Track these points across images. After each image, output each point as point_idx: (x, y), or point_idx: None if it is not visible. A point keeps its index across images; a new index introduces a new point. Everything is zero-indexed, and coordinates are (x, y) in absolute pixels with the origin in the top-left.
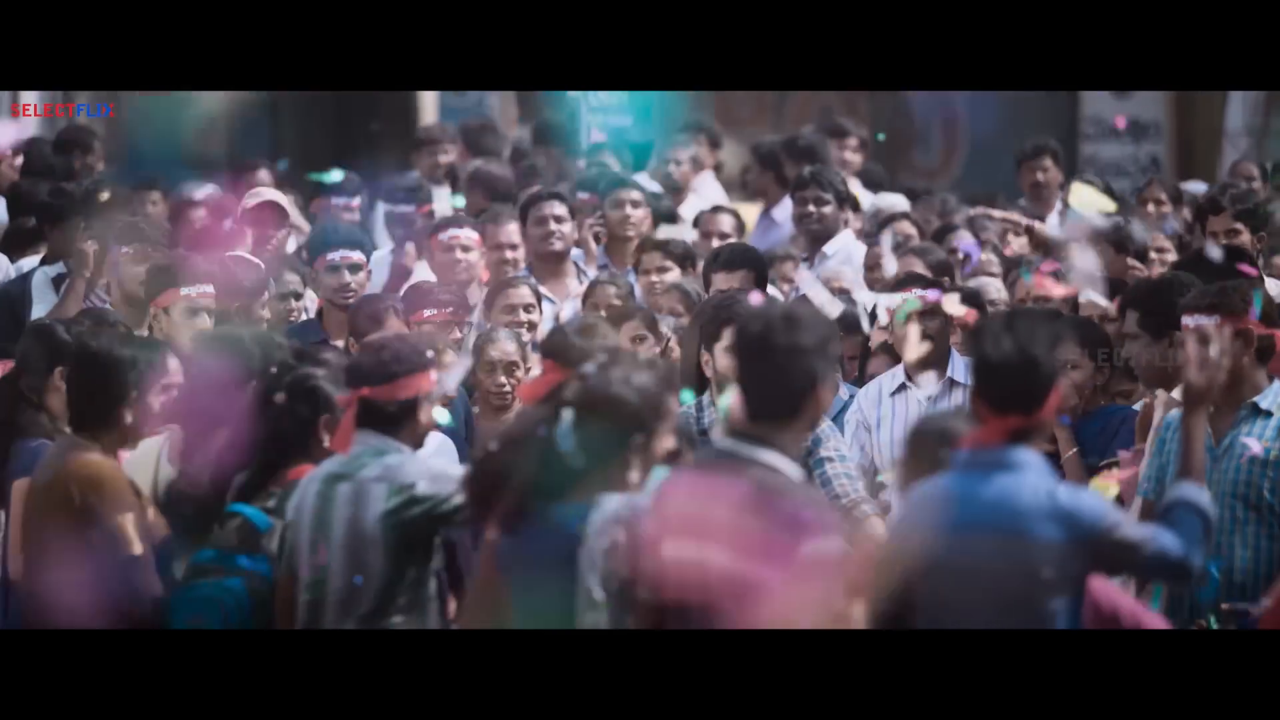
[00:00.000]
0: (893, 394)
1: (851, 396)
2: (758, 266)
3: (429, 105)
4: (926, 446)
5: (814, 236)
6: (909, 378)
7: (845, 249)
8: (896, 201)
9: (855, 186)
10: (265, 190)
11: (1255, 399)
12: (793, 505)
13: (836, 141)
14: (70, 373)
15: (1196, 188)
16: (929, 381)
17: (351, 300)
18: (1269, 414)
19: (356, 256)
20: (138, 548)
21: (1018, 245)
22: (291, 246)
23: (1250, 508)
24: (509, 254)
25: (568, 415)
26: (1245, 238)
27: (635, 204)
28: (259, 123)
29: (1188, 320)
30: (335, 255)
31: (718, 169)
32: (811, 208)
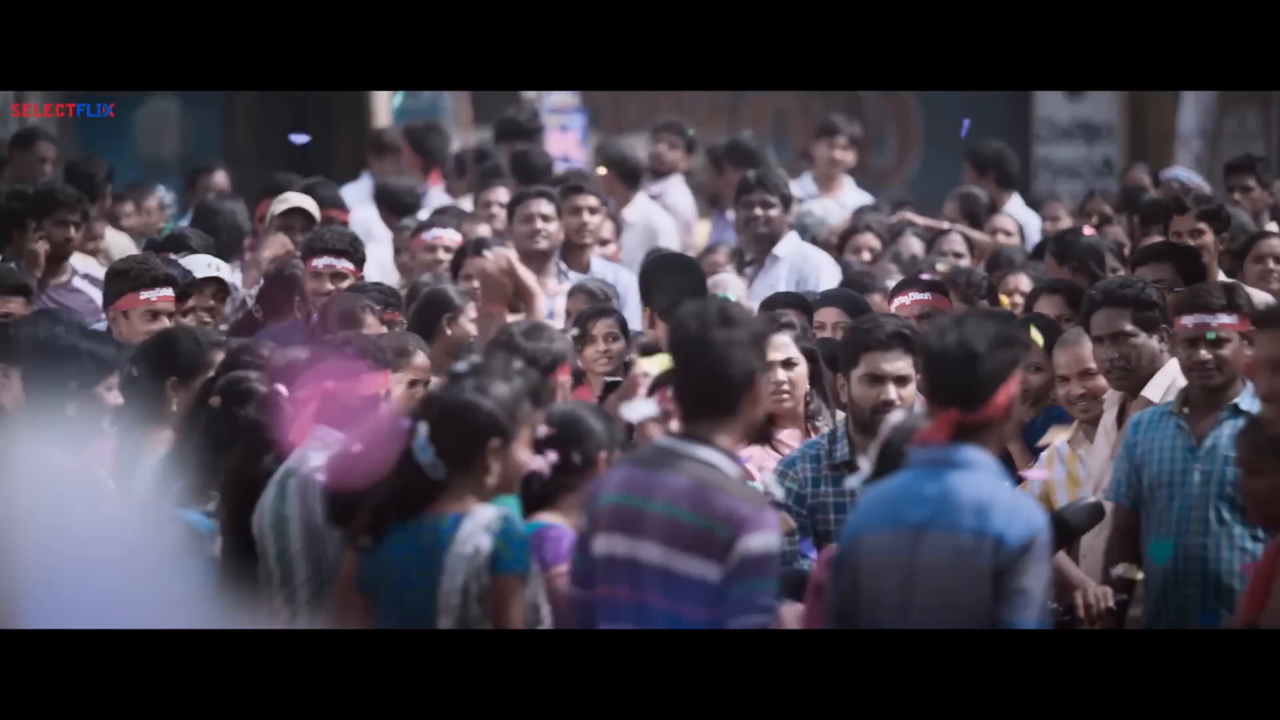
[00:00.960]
0: None
1: None
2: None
3: (382, 106)
4: (897, 447)
5: (761, 240)
6: None
7: (795, 252)
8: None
9: (849, 186)
10: (293, 196)
11: (1235, 400)
12: (730, 501)
13: (827, 140)
14: (24, 371)
15: (1180, 174)
16: None
17: None
18: (1249, 414)
19: (341, 265)
20: None
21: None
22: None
23: (1236, 509)
24: (441, 255)
25: (423, 428)
26: (1209, 238)
27: (593, 210)
28: (211, 124)
29: (1187, 320)
30: (320, 262)
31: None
32: (758, 211)
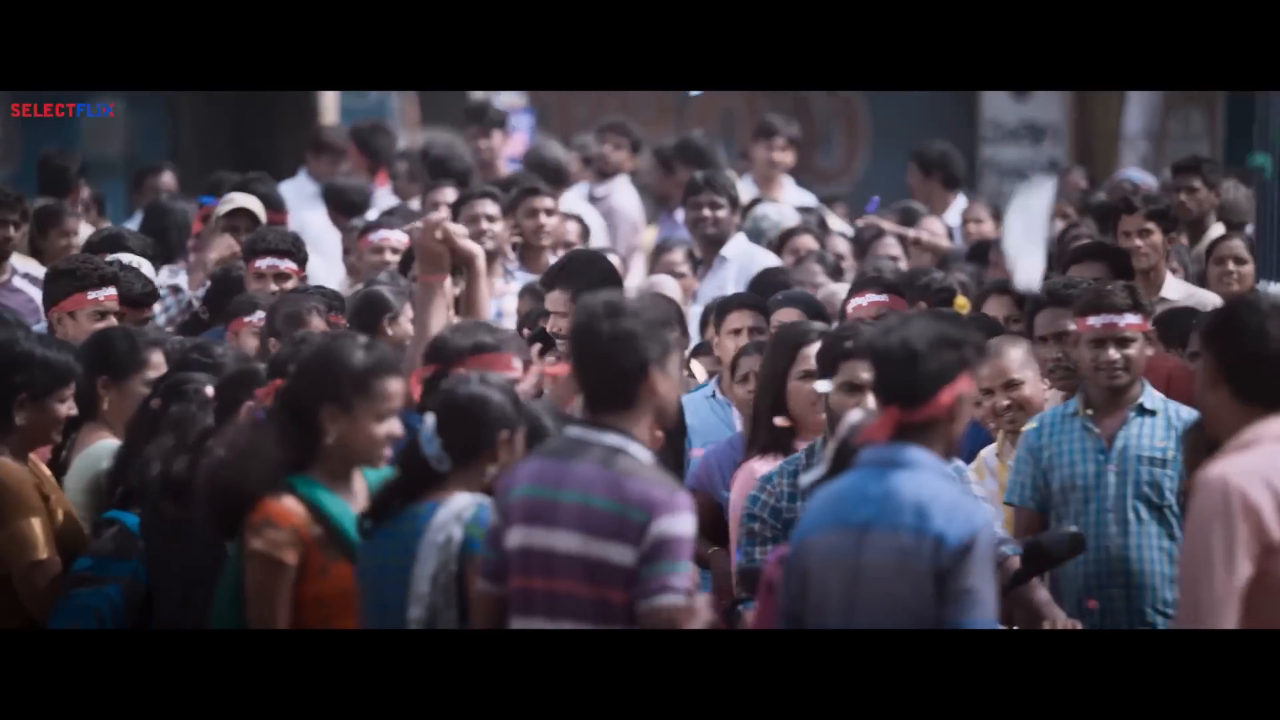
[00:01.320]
0: None
1: None
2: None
3: (329, 106)
4: (854, 447)
5: (709, 241)
6: None
7: (742, 253)
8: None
9: (789, 186)
10: (238, 196)
11: (1140, 399)
12: (642, 484)
13: (765, 141)
14: None
15: (1134, 175)
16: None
17: None
18: (1154, 413)
19: (285, 266)
20: (42, 553)
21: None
22: None
23: (1152, 508)
24: (389, 256)
25: (430, 420)
26: (1157, 238)
27: (549, 212)
28: (156, 125)
29: (1094, 320)
30: (263, 263)
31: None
32: (706, 212)
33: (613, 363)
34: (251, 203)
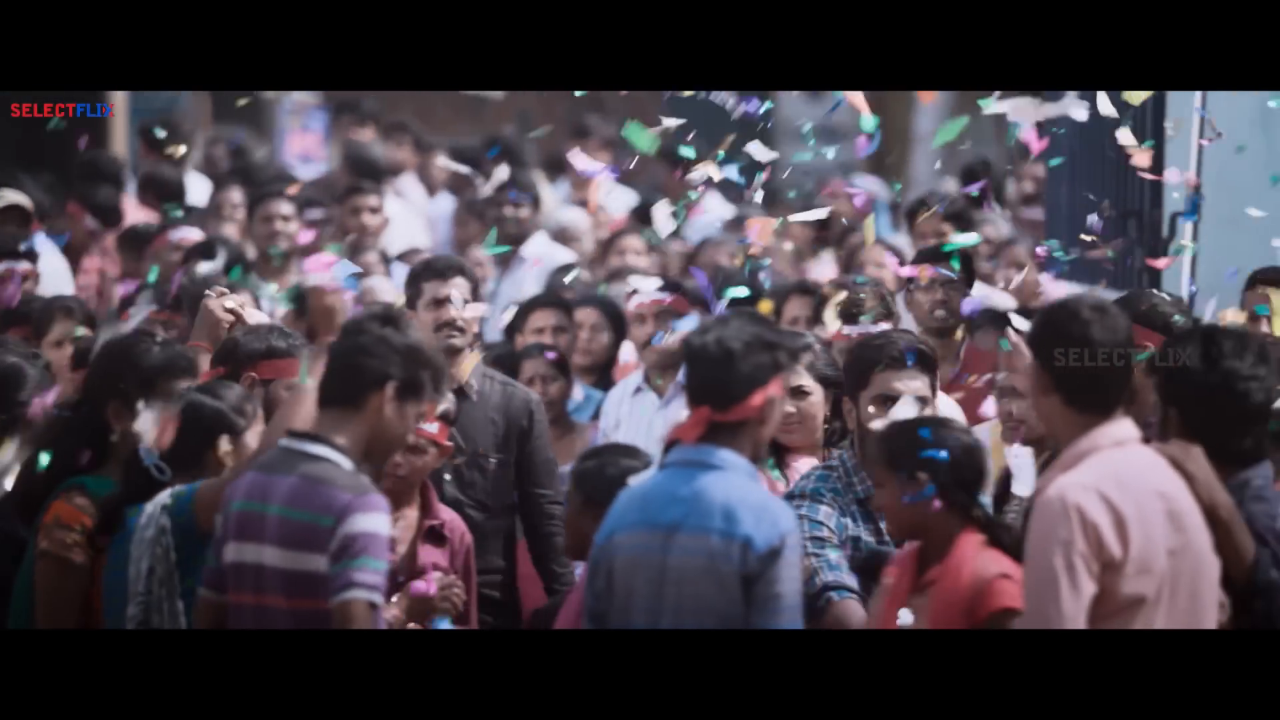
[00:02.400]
0: (633, 395)
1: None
2: (468, 272)
3: (119, 104)
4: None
5: (510, 240)
6: (647, 380)
7: (542, 253)
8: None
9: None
10: (9, 193)
11: None
12: (331, 490)
13: (579, 141)
14: None
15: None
16: (670, 384)
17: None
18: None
19: (22, 268)
20: None
21: None
22: None
23: None
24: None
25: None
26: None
27: (285, 218)
28: None
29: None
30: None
31: (423, 170)
32: (507, 210)
33: (348, 368)
34: (21, 199)
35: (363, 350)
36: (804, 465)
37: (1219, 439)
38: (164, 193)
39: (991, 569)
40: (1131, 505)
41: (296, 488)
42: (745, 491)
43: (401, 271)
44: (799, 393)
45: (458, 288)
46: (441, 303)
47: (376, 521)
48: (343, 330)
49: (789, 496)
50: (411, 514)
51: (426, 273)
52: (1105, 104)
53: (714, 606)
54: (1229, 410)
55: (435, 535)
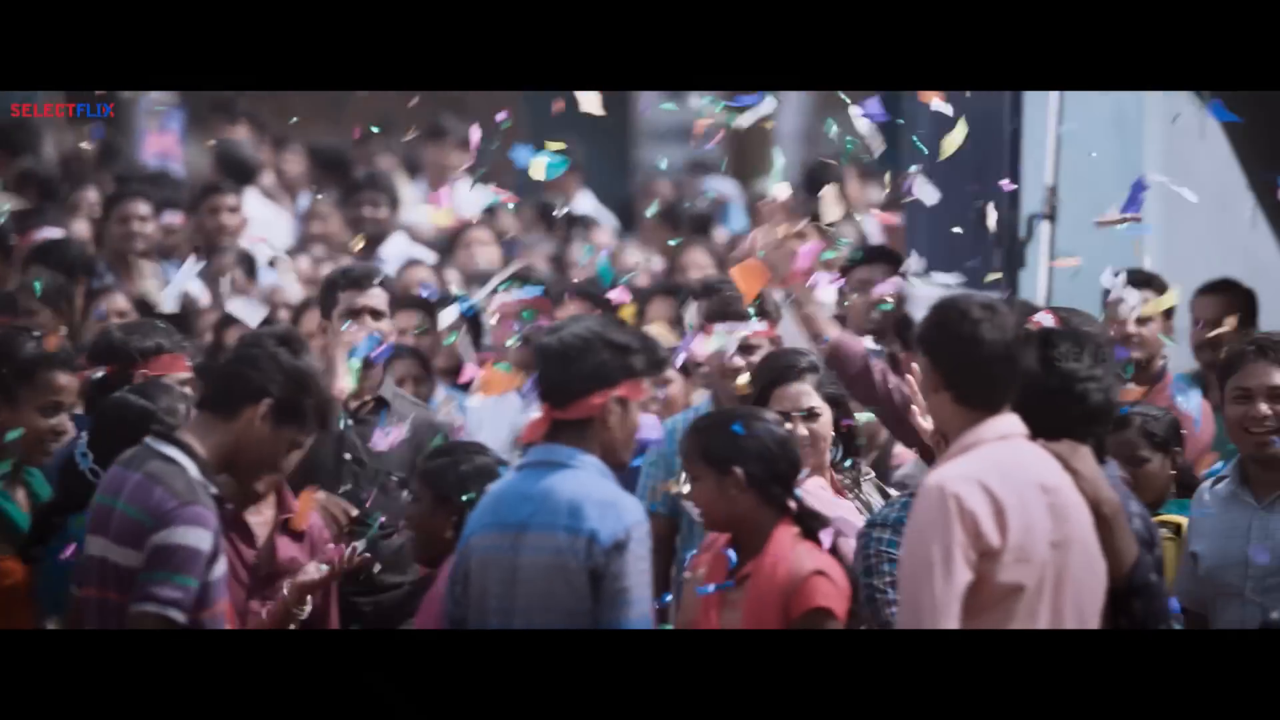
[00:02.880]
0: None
1: None
2: (387, 282)
3: None
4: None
5: (368, 241)
6: None
7: (401, 254)
8: None
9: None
10: None
11: None
12: (163, 493)
13: (435, 143)
14: None
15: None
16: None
17: None
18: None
19: None
20: None
21: None
22: None
23: None
24: None
25: (84, 436)
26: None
27: (143, 219)
28: None
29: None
30: None
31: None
32: (366, 211)
33: (223, 377)
34: None
35: (250, 362)
36: (812, 486)
37: (1060, 440)
38: (45, 190)
39: (807, 565)
40: (1013, 495)
41: (138, 484)
42: (591, 488)
43: (271, 275)
44: (810, 415)
45: (375, 298)
46: (357, 313)
47: (193, 535)
48: (239, 341)
49: (870, 524)
50: (268, 510)
51: (343, 281)
52: (941, 106)
53: (563, 604)
54: (1070, 411)
55: (292, 530)
